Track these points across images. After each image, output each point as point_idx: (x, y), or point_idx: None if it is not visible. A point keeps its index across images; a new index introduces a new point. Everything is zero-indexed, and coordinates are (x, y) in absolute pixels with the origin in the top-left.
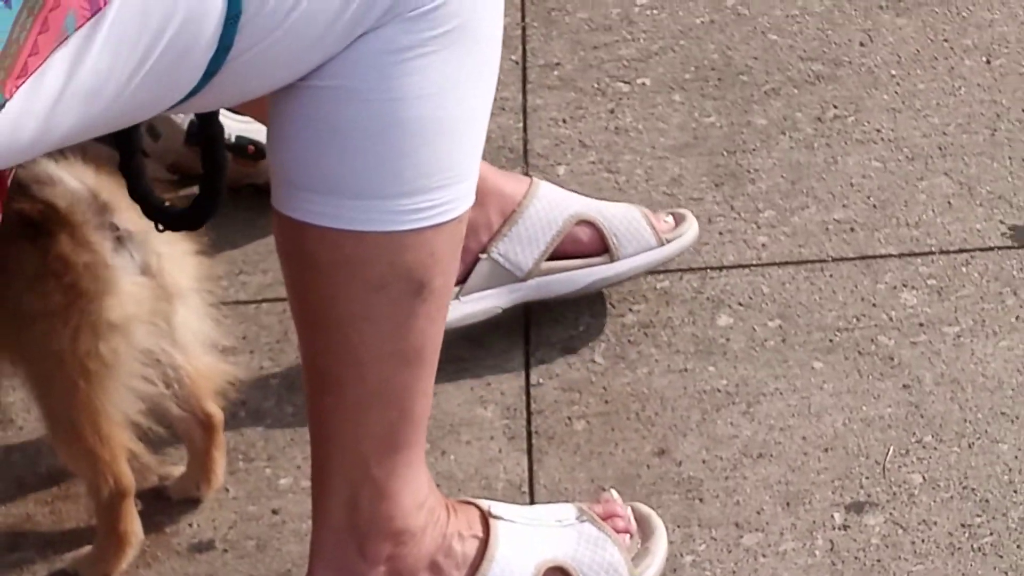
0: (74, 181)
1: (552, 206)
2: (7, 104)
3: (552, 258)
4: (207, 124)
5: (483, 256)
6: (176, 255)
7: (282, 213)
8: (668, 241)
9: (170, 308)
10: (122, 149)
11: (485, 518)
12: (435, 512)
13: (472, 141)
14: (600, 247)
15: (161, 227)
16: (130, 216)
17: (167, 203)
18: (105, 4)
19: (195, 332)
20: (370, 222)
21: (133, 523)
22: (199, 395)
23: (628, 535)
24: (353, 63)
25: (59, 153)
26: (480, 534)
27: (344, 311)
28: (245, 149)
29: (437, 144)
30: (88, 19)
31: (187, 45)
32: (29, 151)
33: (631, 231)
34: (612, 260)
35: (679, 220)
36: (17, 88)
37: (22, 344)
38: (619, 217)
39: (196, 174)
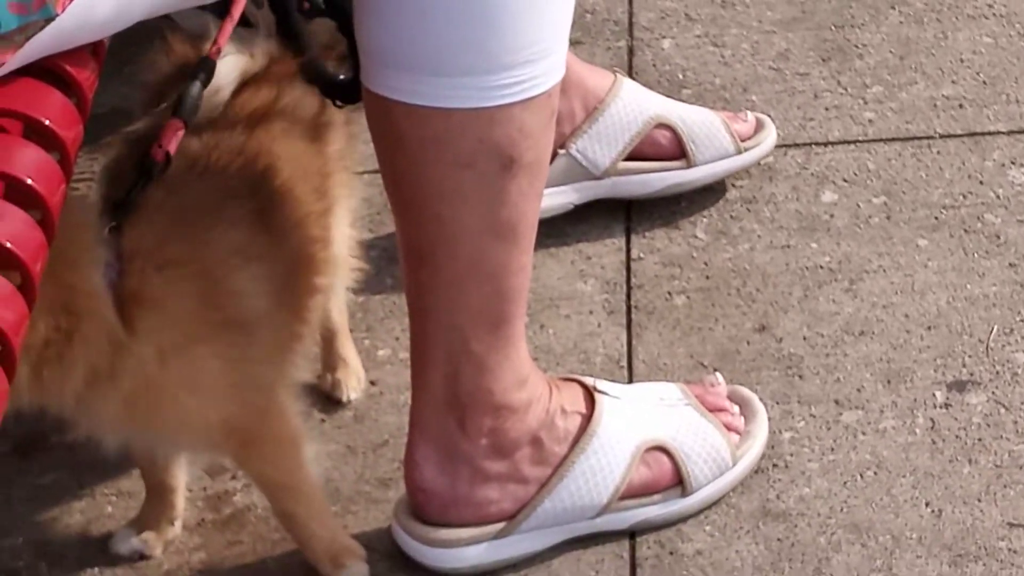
0: None
1: (633, 106)
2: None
3: (629, 158)
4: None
5: (561, 152)
6: None
7: (370, 90)
8: (746, 149)
9: None
10: (285, 31)
11: (590, 394)
12: (537, 388)
13: (558, 15)
14: (677, 151)
15: (339, 103)
16: None
17: (341, 76)
18: None
19: None
20: (456, 99)
21: None
22: None
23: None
24: None
25: None
26: (584, 410)
27: (434, 188)
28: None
29: (521, 19)
30: None
31: None
32: (107, 27)
33: (709, 137)
34: (689, 165)
35: (759, 126)
36: (70, 1)
37: None
38: (698, 123)
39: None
